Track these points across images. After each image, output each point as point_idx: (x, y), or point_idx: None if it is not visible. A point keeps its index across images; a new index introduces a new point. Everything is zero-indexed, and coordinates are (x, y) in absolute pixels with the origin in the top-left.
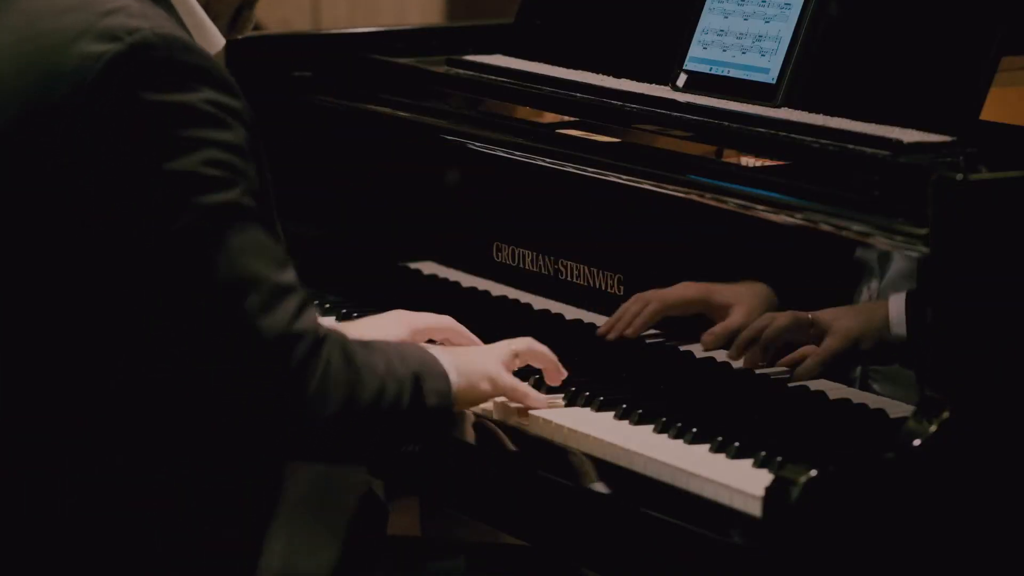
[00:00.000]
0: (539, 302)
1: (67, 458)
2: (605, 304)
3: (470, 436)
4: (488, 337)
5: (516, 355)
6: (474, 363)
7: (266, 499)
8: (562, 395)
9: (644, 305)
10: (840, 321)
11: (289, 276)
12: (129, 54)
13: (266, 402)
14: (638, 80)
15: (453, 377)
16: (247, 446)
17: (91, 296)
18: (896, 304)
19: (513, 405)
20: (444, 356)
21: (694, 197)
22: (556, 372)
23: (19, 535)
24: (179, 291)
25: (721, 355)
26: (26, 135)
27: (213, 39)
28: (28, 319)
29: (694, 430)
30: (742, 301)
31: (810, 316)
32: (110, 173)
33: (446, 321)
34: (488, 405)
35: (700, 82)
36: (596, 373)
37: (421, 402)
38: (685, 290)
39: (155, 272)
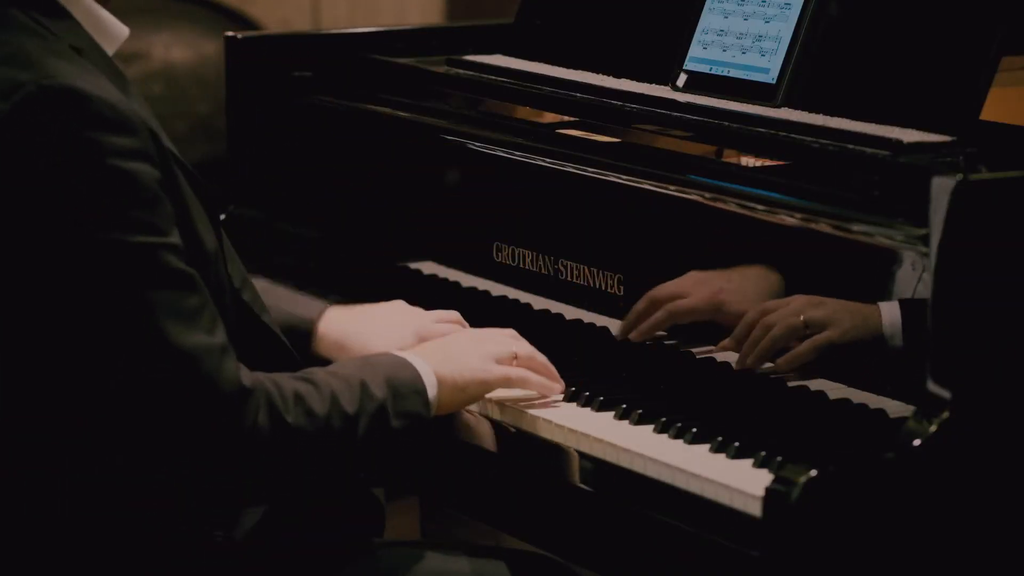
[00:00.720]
0: (539, 302)
1: (66, 457)
2: (605, 304)
3: (469, 436)
4: None
5: (515, 357)
6: (464, 366)
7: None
8: (562, 395)
9: (654, 309)
10: (836, 315)
11: (220, 336)
12: (14, 116)
13: (192, 461)
14: (638, 80)
15: (431, 393)
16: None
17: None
18: (889, 312)
19: (513, 405)
20: (425, 362)
21: (694, 197)
22: (553, 379)
23: (18, 534)
24: (118, 370)
25: (721, 355)
26: None
27: (115, 32)
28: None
29: (694, 430)
30: (753, 307)
31: (802, 319)
32: (19, 242)
33: (452, 316)
34: (488, 405)
35: (700, 82)
36: (596, 373)
37: (387, 428)
38: (697, 299)
39: (91, 353)
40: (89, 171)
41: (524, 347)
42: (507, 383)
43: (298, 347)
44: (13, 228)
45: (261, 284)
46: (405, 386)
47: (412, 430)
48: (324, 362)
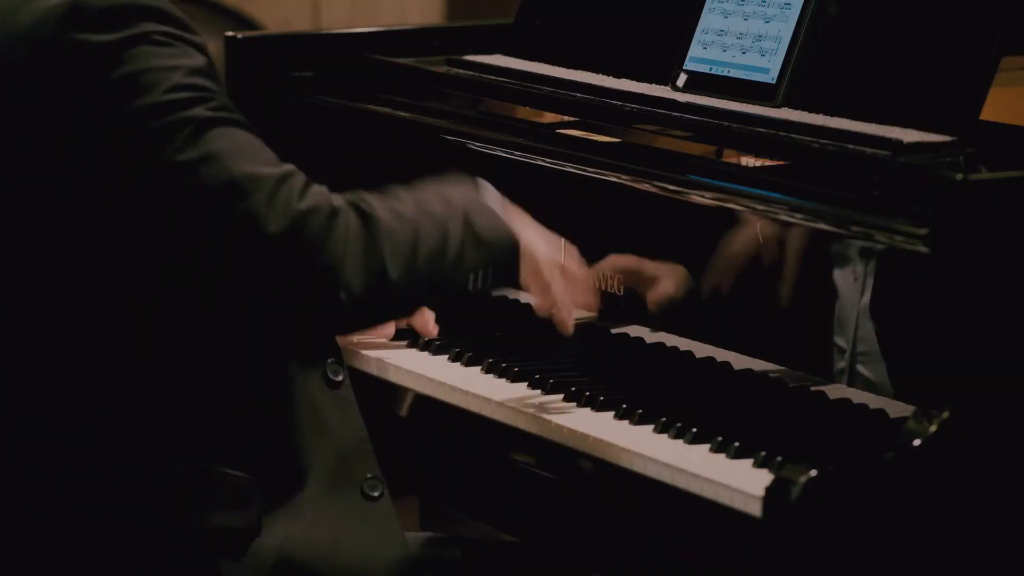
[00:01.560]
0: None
1: (70, 443)
2: (605, 304)
3: (469, 436)
4: (488, 337)
5: (561, 267)
6: (532, 234)
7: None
8: (562, 395)
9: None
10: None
11: (285, 166)
12: (76, 5)
13: (300, 287)
14: (638, 80)
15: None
16: (296, 338)
17: (90, 252)
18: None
19: (513, 405)
20: (491, 195)
21: (694, 197)
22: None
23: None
24: (179, 212)
25: (721, 355)
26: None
27: None
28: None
29: (694, 430)
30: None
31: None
32: (82, 123)
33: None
34: (488, 405)
35: (700, 82)
36: (596, 373)
37: (474, 233)
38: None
39: (150, 204)
40: (152, 47)
41: (572, 264)
42: (544, 289)
43: None
44: (86, 114)
45: None
46: (481, 207)
47: (498, 238)
48: None
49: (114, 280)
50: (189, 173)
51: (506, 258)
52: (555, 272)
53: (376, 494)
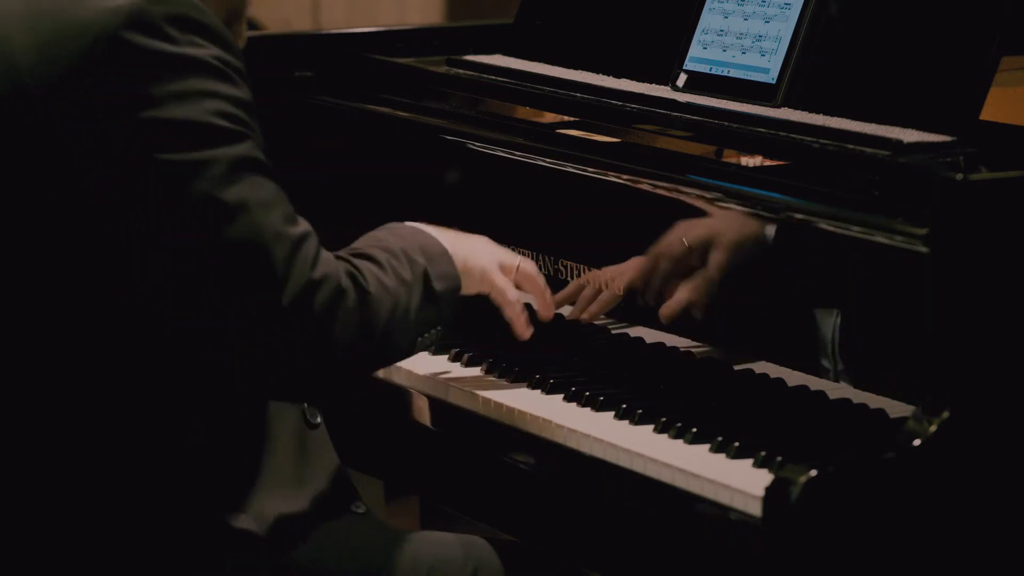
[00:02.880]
0: None
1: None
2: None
3: (469, 436)
4: (488, 337)
5: (516, 269)
6: (473, 253)
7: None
8: (562, 395)
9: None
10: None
11: (302, 224)
12: (144, 8)
13: (293, 350)
14: (638, 80)
15: (454, 257)
16: (269, 391)
17: (100, 266)
18: None
19: (512, 406)
20: (442, 237)
21: (694, 197)
22: (545, 305)
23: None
24: (196, 248)
25: (721, 355)
26: (40, 88)
27: None
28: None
29: (694, 430)
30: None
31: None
32: (117, 125)
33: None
34: (489, 405)
35: (700, 82)
36: (596, 373)
37: (432, 291)
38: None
39: (171, 230)
40: (207, 68)
41: (528, 265)
42: (501, 295)
43: None
44: (131, 117)
45: None
46: (434, 250)
47: (450, 292)
48: None
49: (104, 290)
50: (213, 211)
51: (451, 312)
52: (497, 276)
53: (317, 421)
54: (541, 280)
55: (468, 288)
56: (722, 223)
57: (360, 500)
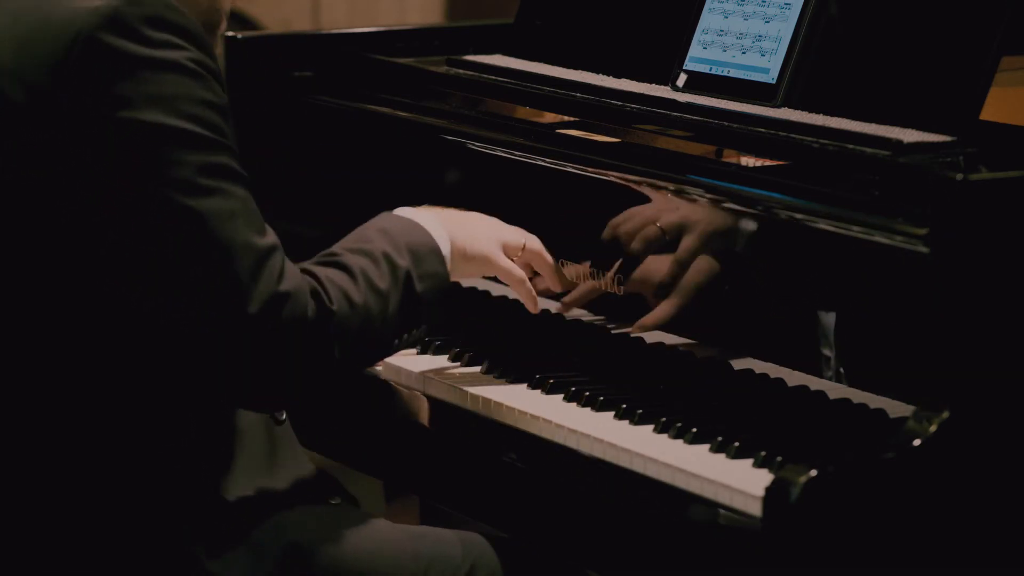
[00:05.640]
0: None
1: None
2: (605, 304)
3: (470, 436)
4: (488, 337)
5: (523, 249)
6: (475, 238)
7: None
8: (562, 395)
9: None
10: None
11: (271, 237)
12: (121, 9)
13: (258, 361)
14: (638, 80)
15: (445, 250)
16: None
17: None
18: None
19: (511, 406)
20: (439, 225)
21: (694, 197)
22: (555, 282)
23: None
24: (163, 253)
25: (721, 355)
26: (17, 86)
27: None
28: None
29: (694, 430)
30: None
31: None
32: (98, 126)
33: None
34: (489, 406)
35: (700, 82)
36: (596, 373)
37: (413, 293)
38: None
39: (141, 233)
40: (185, 72)
41: (534, 242)
42: (507, 275)
43: None
44: (105, 118)
45: None
46: (423, 247)
47: (435, 291)
48: None
49: (82, 288)
50: (181, 218)
51: (437, 310)
52: (501, 259)
53: (283, 418)
54: (548, 256)
55: (473, 274)
56: (722, 223)
57: (338, 496)
